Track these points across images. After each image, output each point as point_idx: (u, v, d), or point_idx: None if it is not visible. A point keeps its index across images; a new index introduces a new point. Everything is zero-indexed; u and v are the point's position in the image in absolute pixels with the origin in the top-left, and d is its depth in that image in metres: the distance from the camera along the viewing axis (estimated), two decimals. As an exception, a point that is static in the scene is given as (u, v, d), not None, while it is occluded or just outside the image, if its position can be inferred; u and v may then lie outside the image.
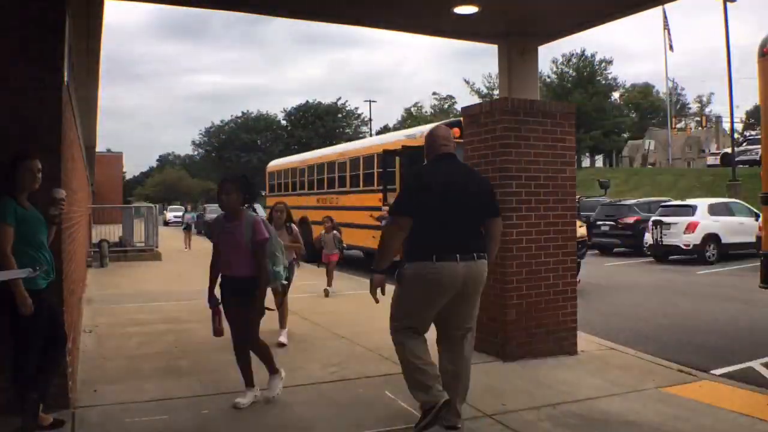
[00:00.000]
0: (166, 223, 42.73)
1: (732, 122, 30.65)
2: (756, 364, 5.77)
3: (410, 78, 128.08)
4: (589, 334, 6.54)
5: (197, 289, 8.72)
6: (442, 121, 12.76)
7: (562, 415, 4.06)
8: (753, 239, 14.12)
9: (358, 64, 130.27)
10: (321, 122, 66.45)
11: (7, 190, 3.46)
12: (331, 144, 44.45)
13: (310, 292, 9.33)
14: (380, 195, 11.74)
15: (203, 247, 17.41)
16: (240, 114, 71.51)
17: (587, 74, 53.90)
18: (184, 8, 5.91)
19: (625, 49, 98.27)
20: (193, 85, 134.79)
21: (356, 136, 62.75)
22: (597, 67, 54.81)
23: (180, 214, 44.88)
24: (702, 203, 16.50)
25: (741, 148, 32.62)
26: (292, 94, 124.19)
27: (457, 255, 3.63)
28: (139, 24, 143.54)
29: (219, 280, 4.30)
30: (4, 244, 3.34)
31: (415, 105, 72.20)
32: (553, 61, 55.19)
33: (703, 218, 15.52)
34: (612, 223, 18.15)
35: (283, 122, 70.91)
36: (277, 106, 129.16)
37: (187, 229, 22.06)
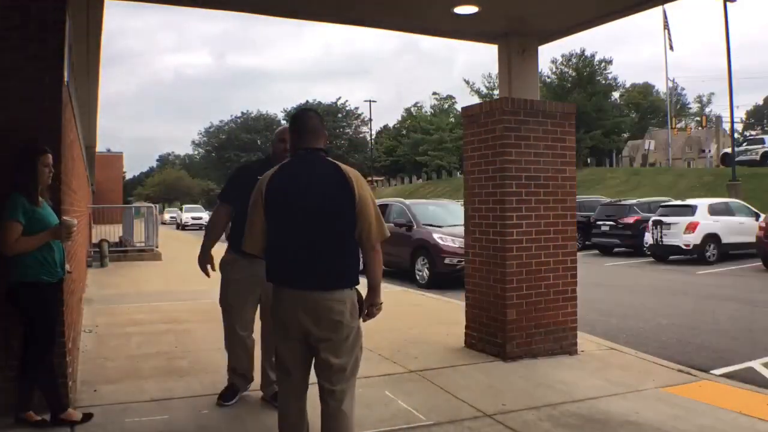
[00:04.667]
0: (182, 227, 35.30)
1: (732, 122, 30.62)
2: (756, 364, 5.77)
3: (410, 76, 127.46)
4: (589, 334, 6.55)
5: (197, 289, 8.77)
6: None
7: (562, 415, 4.07)
8: (753, 239, 14.12)
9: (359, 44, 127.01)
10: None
11: (16, 187, 3.47)
12: (330, 143, 44.36)
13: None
14: None
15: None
16: (240, 114, 71.63)
17: (587, 74, 53.90)
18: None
19: (627, 42, 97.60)
20: (179, 68, 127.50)
21: (356, 136, 62.83)
22: (597, 67, 54.82)
23: (200, 215, 34.61)
24: (702, 203, 16.48)
25: (741, 148, 32.63)
26: (286, 79, 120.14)
27: None
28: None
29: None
30: (11, 238, 3.39)
31: (415, 105, 72.35)
32: (553, 61, 55.20)
33: (703, 218, 15.52)
34: (612, 223, 18.14)
35: (283, 122, 71.06)
36: (274, 97, 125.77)
37: None
